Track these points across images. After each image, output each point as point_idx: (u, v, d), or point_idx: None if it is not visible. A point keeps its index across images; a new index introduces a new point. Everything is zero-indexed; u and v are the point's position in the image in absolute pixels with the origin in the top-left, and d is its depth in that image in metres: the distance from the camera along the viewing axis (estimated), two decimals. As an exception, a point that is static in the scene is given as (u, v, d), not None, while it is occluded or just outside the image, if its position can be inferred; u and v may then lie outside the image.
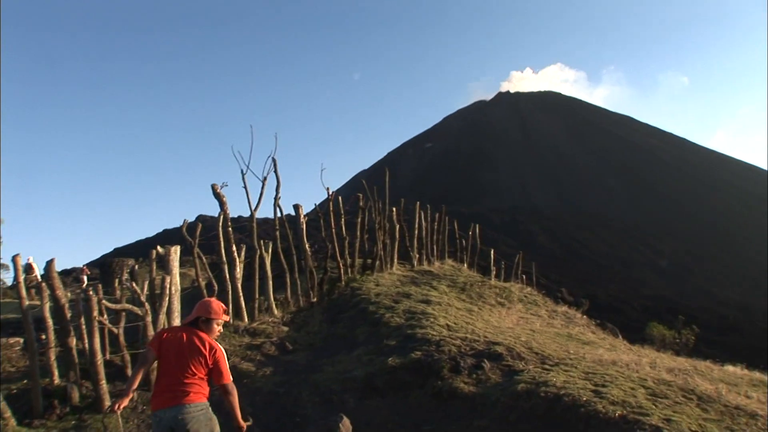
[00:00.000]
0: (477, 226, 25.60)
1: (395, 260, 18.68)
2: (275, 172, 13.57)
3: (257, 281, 13.01)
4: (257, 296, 12.93)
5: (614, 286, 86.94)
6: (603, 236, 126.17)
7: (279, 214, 14.05)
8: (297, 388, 9.13)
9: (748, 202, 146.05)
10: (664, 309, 73.75)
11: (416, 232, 19.99)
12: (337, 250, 15.68)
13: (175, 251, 10.53)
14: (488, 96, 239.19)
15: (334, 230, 15.58)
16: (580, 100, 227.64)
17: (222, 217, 12.28)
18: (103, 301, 9.61)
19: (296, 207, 14.73)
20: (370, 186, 18.01)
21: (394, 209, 18.53)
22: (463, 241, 24.25)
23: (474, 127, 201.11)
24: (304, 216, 14.69)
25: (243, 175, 12.79)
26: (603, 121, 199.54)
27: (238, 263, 12.45)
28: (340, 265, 15.79)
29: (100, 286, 11.63)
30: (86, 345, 9.02)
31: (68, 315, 9.28)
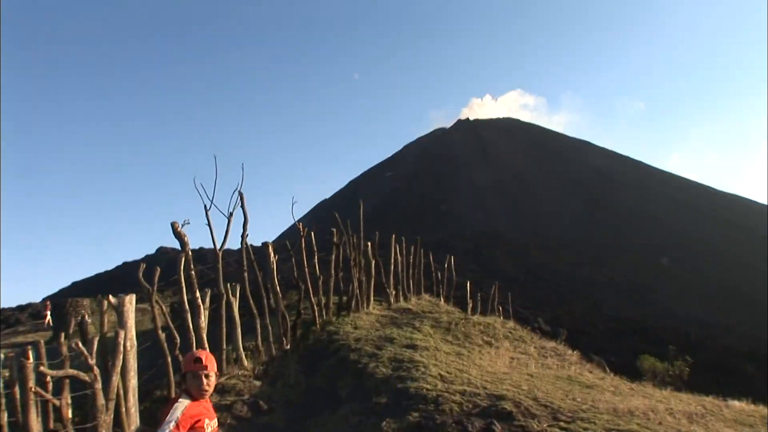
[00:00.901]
0: (452, 257, 24.52)
1: (371, 298, 17.38)
2: (242, 207, 12.24)
3: (224, 329, 11.61)
4: (224, 346, 11.52)
5: (578, 309, 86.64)
6: (565, 258, 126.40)
7: (247, 253, 12.70)
8: (277, 463, 7.78)
9: (701, 222, 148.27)
10: (630, 330, 73.62)
11: (392, 267, 18.75)
12: (311, 290, 14.33)
13: (130, 301, 9.16)
14: (448, 123, 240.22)
15: (307, 269, 14.24)
16: (539, 126, 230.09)
17: (183, 259, 10.88)
18: (42, 368, 8.11)
19: (265, 245, 13.37)
20: (334, 216, 16.75)
21: (369, 243, 17.26)
22: (439, 274, 23.12)
23: (434, 155, 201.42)
24: (275, 255, 13.32)
25: (206, 211, 11.43)
26: (562, 146, 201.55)
27: (202, 310, 11.05)
28: (315, 306, 14.43)
29: (42, 342, 10.16)
30: (20, 419, 7.58)
31: None
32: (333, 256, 15.42)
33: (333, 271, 15.45)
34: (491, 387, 10.33)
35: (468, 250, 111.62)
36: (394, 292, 18.74)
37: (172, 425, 3.61)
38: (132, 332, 8.94)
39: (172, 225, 10.64)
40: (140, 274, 11.14)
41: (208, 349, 10.90)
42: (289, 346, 13.05)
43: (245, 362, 11.91)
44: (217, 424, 4.02)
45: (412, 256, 20.57)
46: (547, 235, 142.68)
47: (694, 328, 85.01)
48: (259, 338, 12.52)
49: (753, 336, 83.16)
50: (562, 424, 8.22)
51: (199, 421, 3.77)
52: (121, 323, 8.91)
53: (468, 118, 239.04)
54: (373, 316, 16.13)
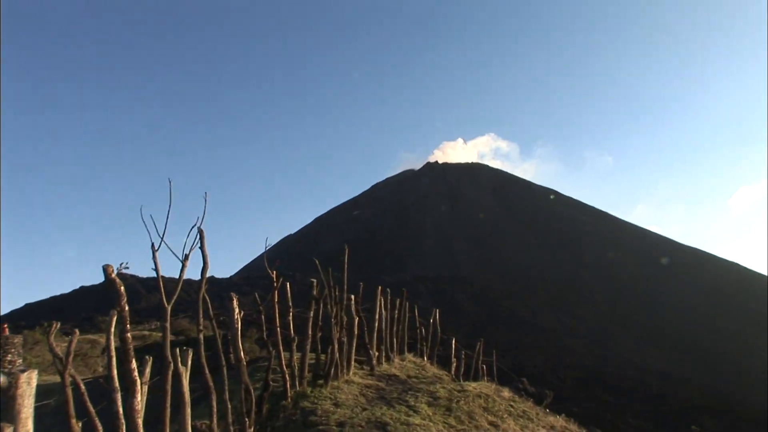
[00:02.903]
0: (437, 311, 21.85)
1: (352, 362, 14.52)
2: (202, 248, 9.41)
3: (167, 410, 8.64)
4: (167, 434, 8.55)
5: (540, 356, 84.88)
6: (528, 303, 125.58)
7: (205, 308, 9.81)
8: None
9: (663, 274, 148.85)
10: (592, 380, 71.97)
11: (376, 324, 15.97)
12: (282, 356, 11.43)
13: (29, 380, 6.29)
14: (418, 165, 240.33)
15: (279, 330, 11.36)
16: (507, 173, 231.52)
17: (116, 317, 7.98)
18: None
19: (229, 297, 10.44)
20: (298, 253, 14.03)
21: (353, 297, 14.45)
22: (423, 330, 20.42)
23: (401, 196, 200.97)
24: (240, 312, 10.40)
25: (154, 251, 8.57)
26: (529, 193, 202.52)
27: (139, 386, 8.10)
28: (287, 376, 11.50)
29: None
30: None
31: None
32: (311, 313, 12.55)
33: (311, 330, 12.58)
34: None
35: (430, 291, 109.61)
36: (377, 354, 15.93)
37: None
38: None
39: (105, 270, 7.76)
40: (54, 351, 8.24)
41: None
42: (252, 429, 10.11)
43: (194, 455, 8.97)
44: None
45: (396, 311, 17.82)
46: (510, 280, 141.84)
47: (653, 378, 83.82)
48: (215, 419, 9.57)
49: (711, 388, 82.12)
50: None
51: None
52: (9, 415, 6.05)
53: (437, 161, 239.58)
54: (356, 386, 13.25)
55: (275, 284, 11.12)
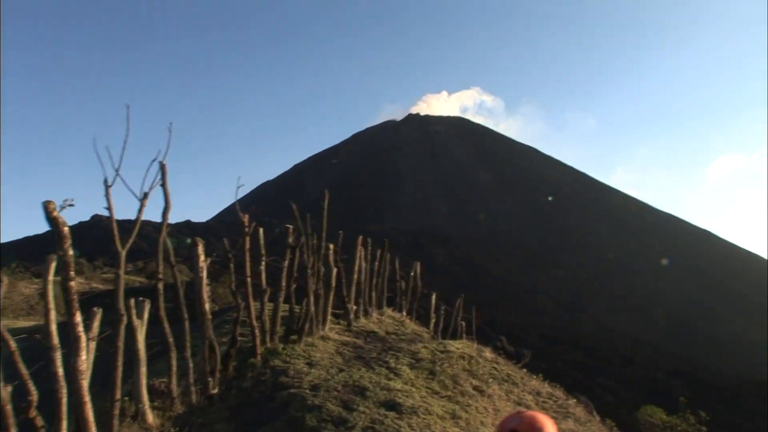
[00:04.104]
0: (419, 264, 20.89)
1: (329, 316, 13.49)
2: (163, 185, 8.27)
3: (119, 369, 7.59)
4: (118, 396, 7.50)
5: (514, 313, 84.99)
6: (504, 262, 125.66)
7: (166, 255, 8.69)
8: None
9: (639, 239, 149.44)
10: (563, 340, 72.19)
11: (355, 276, 14.93)
12: (252, 308, 10.34)
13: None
14: (400, 117, 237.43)
15: (249, 279, 10.25)
16: (489, 129, 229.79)
17: (57, 262, 6.83)
18: None
19: (194, 242, 9.29)
20: (276, 201, 12.82)
21: (331, 246, 13.36)
22: (403, 284, 19.45)
23: (382, 146, 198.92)
24: (206, 258, 9.28)
25: (107, 186, 7.40)
26: (509, 151, 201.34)
27: (84, 343, 7.00)
28: (256, 331, 10.43)
29: None
30: None
31: None
32: (286, 262, 11.43)
33: (285, 282, 11.50)
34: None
35: (408, 245, 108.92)
36: (355, 308, 14.94)
37: None
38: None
39: (45, 206, 6.60)
40: None
41: (89, 402, 6.94)
42: (216, 390, 9.08)
43: (150, 418, 7.92)
44: None
45: (377, 262, 16.79)
46: (486, 237, 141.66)
47: (624, 341, 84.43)
48: (174, 379, 8.53)
49: (680, 355, 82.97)
50: None
51: None
52: None
53: (419, 114, 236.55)
54: (332, 343, 12.24)
55: (246, 229, 10.00)
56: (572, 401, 14.15)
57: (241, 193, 9.76)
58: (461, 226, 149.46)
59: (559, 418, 12.33)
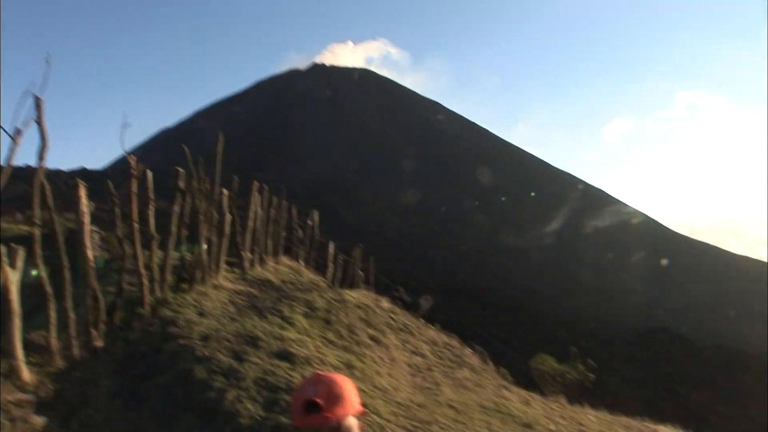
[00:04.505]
0: (316, 213, 20.60)
1: (222, 264, 13.08)
2: (39, 121, 7.65)
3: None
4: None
5: (412, 265, 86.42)
6: (404, 215, 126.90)
7: (43, 197, 8.07)
8: None
9: (537, 193, 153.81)
10: (460, 291, 74.13)
11: (251, 223, 14.53)
12: (139, 255, 9.84)
13: None
14: (304, 65, 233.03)
15: (136, 224, 9.73)
16: (393, 81, 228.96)
17: None
18: None
19: (74, 185, 8.68)
20: (174, 148, 12.25)
21: (225, 192, 12.89)
22: (300, 233, 19.16)
23: (284, 96, 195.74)
24: (88, 202, 8.71)
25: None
26: (414, 104, 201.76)
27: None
28: (144, 279, 9.95)
29: None
30: None
31: None
32: (177, 207, 10.92)
33: (175, 228, 11.00)
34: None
35: (308, 195, 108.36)
36: (250, 256, 14.57)
37: None
38: None
39: None
40: None
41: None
42: (100, 343, 8.61)
43: (25, 375, 7.40)
44: None
45: (273, 210, 16.41)
46: (386, 190, 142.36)
47: (519, 295, 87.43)
48: (53, 331, 8.00)
49: (574, 308, 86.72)
50: None
51: None
52: None
53: (324, 63, 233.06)
54: (225, 292, 11.87)
55: (133, 171, 9.45)
56: (468, 351, 14.40)
57: (139, 140, 9.28)
58: (362, 178, 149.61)
59: (455, 367, 12.52)
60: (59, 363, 7.93)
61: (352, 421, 2.20)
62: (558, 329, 61.86)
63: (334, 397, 2.17)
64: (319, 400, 2.13)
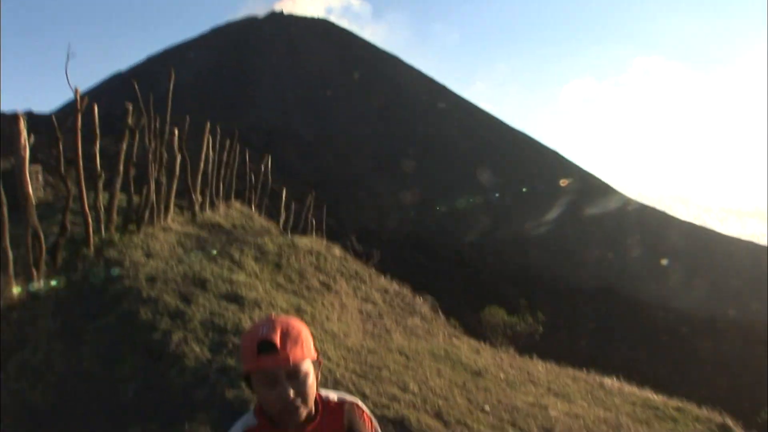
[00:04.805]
0: (269, 157, 20.26)
1: (171, 206, 12.75)
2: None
3: None
4: None
5: (365, 215, 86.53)
6: (357, 165, 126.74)
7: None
8: None
9: (491, 152, 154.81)
10: (410, 244, 74.50)
11: (202, 165, 14.17)
12: (84, 194, 9.47)
13: None
14: (262, 13, 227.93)
15: (80, 161, 9.35)
16: (353, 33, 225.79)
17: None
18: None
19: (15, 118, 8.25)
20: (126, 92, 11.82)
21: (176, 130, 12.50)
22: (252, 178, 18.85)
23: (241, 43, 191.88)
24: (29, 135, 8.30)
25: None
26: (372, 57, 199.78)
27: None
28: (89, 219, 9.58)
29: None
30: None
31: None
32: (124, 145, 10.51)
33: (122, 167, 10.61)
34: (364, 385, 6.65)
35: (262, 144, 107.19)
36: (200, 199, 14.24)
37: None
38: None
39: None
40: None
41: None
42: (41, 283, 8.30)
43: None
44: None
45: (225, 153, 16.05)
46: (341, 141, 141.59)
47: (471, 248, 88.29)
48: (-9, 269, 7.68)
49: (525, 265, 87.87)
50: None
51: None
52: None
53: (282, 11, 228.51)
54: (174, 234, 11.56)
55: (77, 106, 9.03)
56: (419, 300, 14.37)
57: (91, 84, 8.80)
58: (316, 129, 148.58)
59: (405, 315, 12.49)
60: (-3, 302, 7.64)
61: (309, 366, 2.03)
62: (507, 285, 62.73)
63: (291, 339, 1.99)
64: (274, 339, 1.95)
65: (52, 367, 6.53)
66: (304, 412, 2.02)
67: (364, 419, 2.27)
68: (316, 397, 2.11)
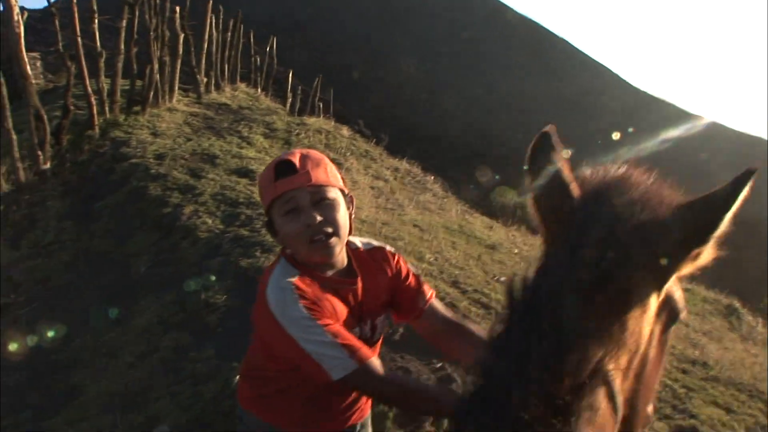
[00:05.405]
0: (274, 39, 19.68)
1: (176, 87, 12.44)
2: None
3: None
4: None
5: (372, 104, 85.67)
6: (357, 56, 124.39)
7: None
8: None
9: (483, 30, 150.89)
10: (416, 131, 74.06)
11: (206, 45, 13.74)
12: (85, 73, 9.19)
13: None
14: None
15: (79, 39, 9.03)
16: None
17: None
18: None
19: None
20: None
21: (177, 9, 12.03)
22: (258, 60, 18.39)
23: None
24: (21, 11, 7.95)
25: None
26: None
27: None
28: (92, 99, 9.33)
29: None
30: None
31: None
32: (124, 22, 10.10)
33: (123, 45, 10.25)
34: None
35: (259, 37, 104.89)
36: (205, 80, 13.90)
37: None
38: None
39: None
40: None
41: None
42: (48, 165, 8.17)
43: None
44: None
45: (230, 33, 15.55)
46: (342, 31, 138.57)
47: (474, 137, 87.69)
48: (-5, 152, 7.53)
49: (520, 145, 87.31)
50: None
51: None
52: None
53: None
54: (180, 114, 11.34)
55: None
56: (430, 177, 14.22)
57: None
58: (316, 17, 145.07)
59: (417, 192, 12.38)
60: (5, 187, 7.53)
61: (338, 195, 1.74)
62: (517, 172, 62.57)
63: (312, 161, 1.72)
64: (293, 159, 1.69)
65: (64, 245, 6.49)
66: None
67: (401, 264, 1.95)
68: (347, 250, 1.83)
